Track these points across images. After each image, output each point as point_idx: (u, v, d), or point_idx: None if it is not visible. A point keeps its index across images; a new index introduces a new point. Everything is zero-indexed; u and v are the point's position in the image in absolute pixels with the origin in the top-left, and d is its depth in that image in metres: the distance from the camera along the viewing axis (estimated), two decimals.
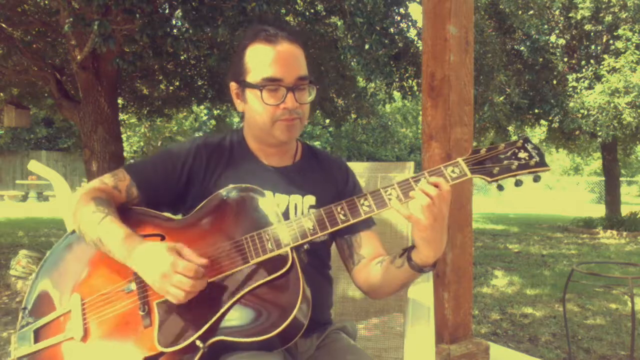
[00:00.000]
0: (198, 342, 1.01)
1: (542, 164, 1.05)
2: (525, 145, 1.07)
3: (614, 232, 9.54)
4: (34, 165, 1.75)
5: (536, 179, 1.06)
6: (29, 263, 4.54)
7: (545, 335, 3.55)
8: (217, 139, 1.29)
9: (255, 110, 1.19)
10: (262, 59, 1.17)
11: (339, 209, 1.08)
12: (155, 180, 1.22)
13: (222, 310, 1.04)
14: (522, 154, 1.06)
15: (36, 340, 1.10)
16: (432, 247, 1.03)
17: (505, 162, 1.05)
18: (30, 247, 5.53)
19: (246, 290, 1.05)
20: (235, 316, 1.04)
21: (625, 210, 10.93)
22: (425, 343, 1.23)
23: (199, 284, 1.02)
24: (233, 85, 1.25)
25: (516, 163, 1.05)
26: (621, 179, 13.43)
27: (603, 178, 13.37)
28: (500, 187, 1.08)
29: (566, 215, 12.81)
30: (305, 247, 1.10)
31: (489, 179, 1.05)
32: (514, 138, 1.08)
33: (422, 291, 1.41)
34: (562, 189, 26.45)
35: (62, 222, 1.23)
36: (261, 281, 1.05)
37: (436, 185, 1.00)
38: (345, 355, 1.19)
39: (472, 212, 2.36)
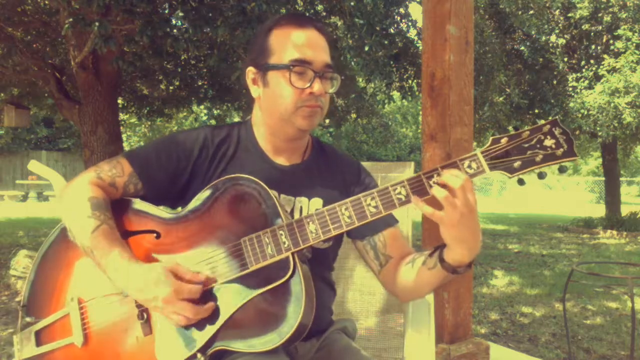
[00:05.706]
0: (199, 356, 1.01)
1: (570, 153, 0.91)
2: (553, 130, 0.92)
3: (614, 232, 9.54)
4: (34, 165, 1.74)
5: (562, 170, 0.94)
6: (29, 263, 4.53)
7: (545, 335, 3.55)
8: (225, 131, 1.22)
9: (278, 93, 1.11)
10: (290, 40, 1.11)
11: (343, 210, 1.00)
12: (160, 175, 1.15)
13: (222, 321, 1.02)
14: (548, 142, 0.92)
15: (38, 343, 1.12)
16: (465, 246, 0.94)
17: (529, 152, 0.92)
18: (30, 247, 5.53)
19: (247, 299, 1.01)
20: (237, 325, 1.02)
21: (625, 210, 10.93)
22: (425, 343, 1.23)
23: (202, 311, 1.00)
24: (250, 70, 1.17)
25: (541, 154, 0.91)
26: (621, 179, 13.43)
27: (602, 177, 13.37)
28: (521, 182, 0.98)
29: (566, 215, 12.80)
30: (308, 255, 1.05)
31: (509, 175, 0.93)
32: (542, 122, 0.93)
33: None
34: (562, 189, 26.45)
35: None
36: (261, 290, 1.01)
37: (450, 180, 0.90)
38: (344, 357, 1.18)
39: None
